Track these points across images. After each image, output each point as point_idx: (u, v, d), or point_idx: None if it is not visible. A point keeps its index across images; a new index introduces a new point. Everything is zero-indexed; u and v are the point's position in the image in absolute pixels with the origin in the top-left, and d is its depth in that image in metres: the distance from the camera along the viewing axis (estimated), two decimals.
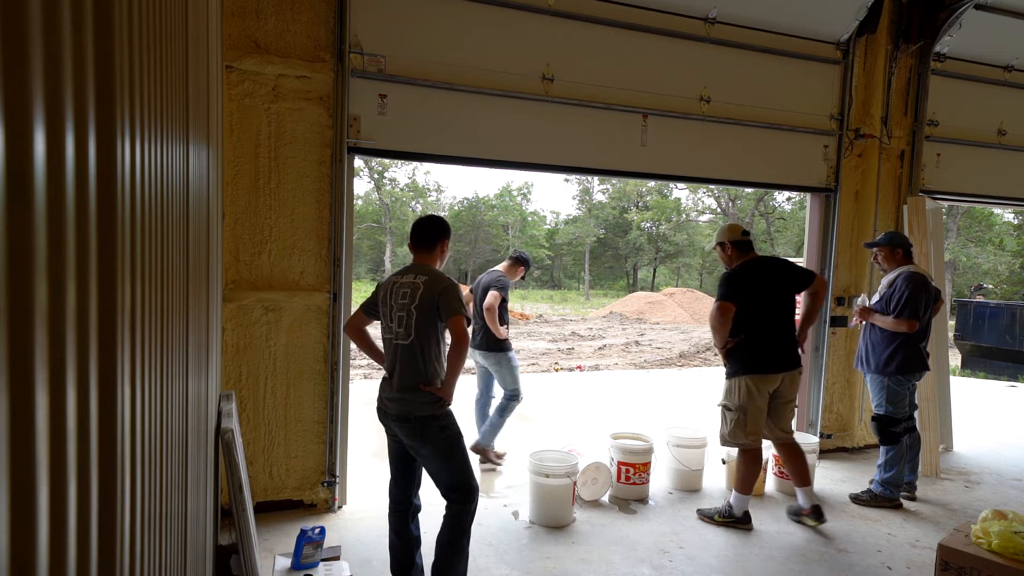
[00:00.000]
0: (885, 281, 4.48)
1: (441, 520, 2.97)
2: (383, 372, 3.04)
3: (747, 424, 3.96)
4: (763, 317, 3.93)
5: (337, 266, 4.00)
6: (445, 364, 2.91)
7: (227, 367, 3.84)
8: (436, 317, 2.84)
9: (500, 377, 5.04)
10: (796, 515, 4.17)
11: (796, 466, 4.10)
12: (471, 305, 5.15)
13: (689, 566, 3.52)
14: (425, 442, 2.85)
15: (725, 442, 4.07)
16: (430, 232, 3.02)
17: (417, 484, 3.15)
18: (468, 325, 2.88)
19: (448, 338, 2.93)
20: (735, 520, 4.05)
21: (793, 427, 4.23)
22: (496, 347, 4.94)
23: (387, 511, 3.17)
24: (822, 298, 4.13)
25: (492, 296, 4.85)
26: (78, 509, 0.61)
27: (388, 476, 3.18)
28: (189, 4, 1.58)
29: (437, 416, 2.84)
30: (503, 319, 4.94)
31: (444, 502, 2.97)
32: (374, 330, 3.26)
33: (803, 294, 4.09)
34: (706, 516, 4.16)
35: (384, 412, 2.96)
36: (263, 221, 3.86)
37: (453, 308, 2.80)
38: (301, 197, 3.92)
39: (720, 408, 4.10)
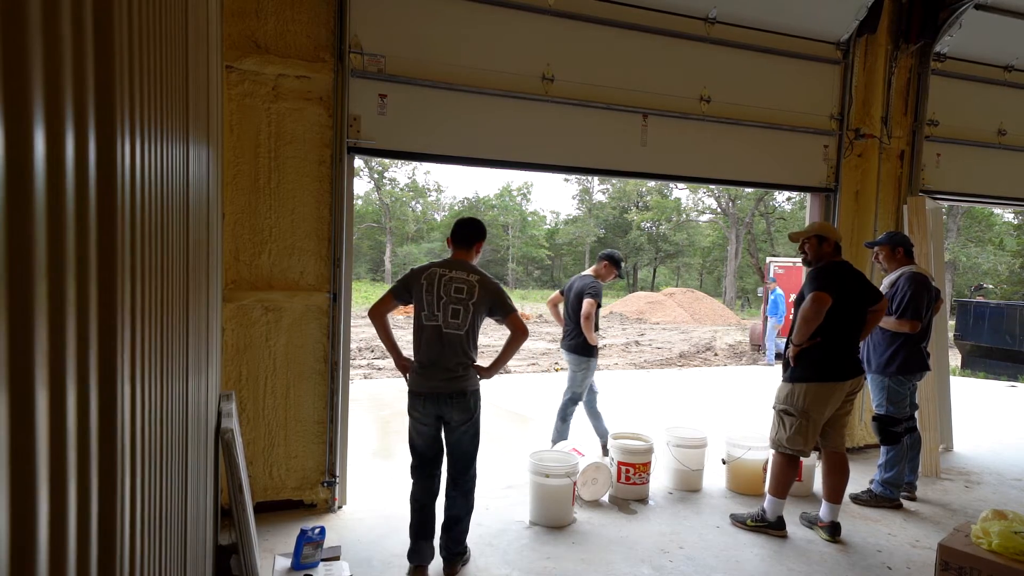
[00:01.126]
0: (887, 281, 4.47)
1: (452, 499, 3.33)
2: (416, 360, 3.27)
3: (809, 430, 3.81)
4: (841, 321, 3.77)
5: (337, 266, 4.00)
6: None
7: (227, 367, 3.84)
8: (486, 313, 3.23)
9: (573, 378, 5.13)
10: (811, 523, 4.06)
11: (836, 480, 3.94)
12: (561, 306, 5.27)
13: (689, 566, 3.52)
14: (473, 411, 3.24)
15: (780, 447, 3.90)
16: (473, 232, 3.35)
17: (440, 464, 3.38)
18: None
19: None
20: (768, 525, 3.94)
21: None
22: (586, 352, 5.05)
23: (416, 484, 3.33)
24: (880, 319, 4.04)
25: (588, 304, 4.92)
26: (78, 509, 0.61)
27: (410, 464, 3.35)
28: (189, 4, 1.58)
29: (478, 390, 3.28)
30: (596, 325, 5.05)
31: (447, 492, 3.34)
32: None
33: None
34: (739, 521, 4.07)
35: (434, 396, 3.18)
36: (263, 221, 3.86)
37: (509, 307, 3.25)
38: (301, 197, 3.92)
39: (777, 412, 3.94)
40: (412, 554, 3.30)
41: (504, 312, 3.22)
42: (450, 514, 3.33)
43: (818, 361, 3.78)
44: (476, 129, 4.33)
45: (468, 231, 3.33)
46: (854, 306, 3.84)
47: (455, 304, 3.16)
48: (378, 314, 3.28)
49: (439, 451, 3.32)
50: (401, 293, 3.26)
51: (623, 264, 5.29)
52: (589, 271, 5.21)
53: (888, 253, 4.49)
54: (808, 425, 3.80)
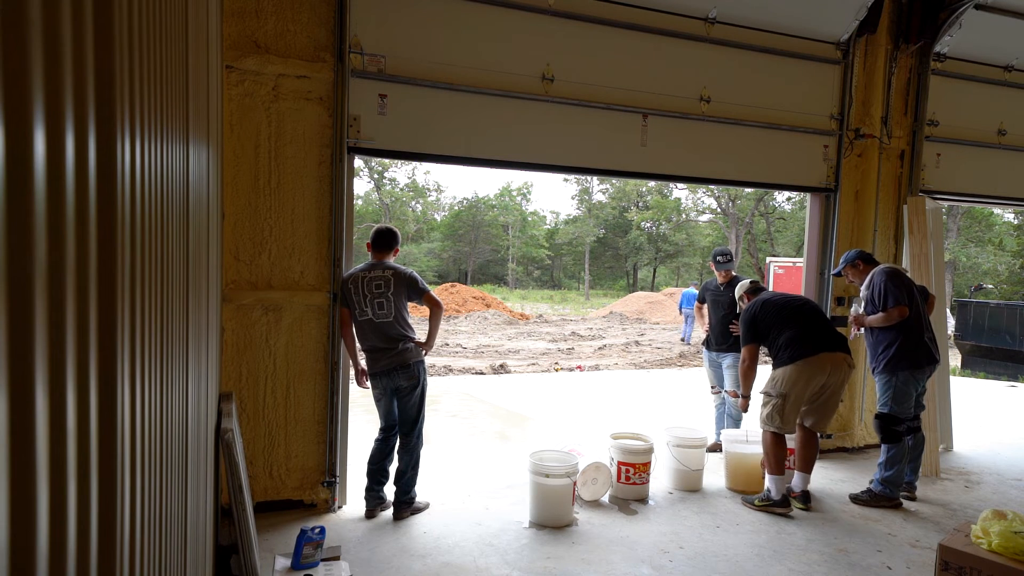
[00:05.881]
0: (863, 288, 4.61)
1: (400, 455, 3.95)
2: (365, 349, 3.90)
3: (784, 409, 4.21)
4: (793, 321, 4.28)
5: (337, 266, 4.00)
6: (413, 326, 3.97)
7: (227, 367, 3.84)
8: (406, 298, 3.85)
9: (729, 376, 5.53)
10: (786, 494, 4.34)
11: (808, 452, 4.35)
12: (706, 308, 5.75)
13: (689, 566, 3.52)
14: (418, 381, 3.87)
15: (763, 423, 4.31)
16: (389, 240, 3.98)
17: (395, 431, 4.02)
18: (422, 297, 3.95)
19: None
20: (773, 503, 4.22)
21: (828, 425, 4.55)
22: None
23: (376, 444, 3.99)
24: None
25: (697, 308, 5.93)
26: (78, 509, 0.61)
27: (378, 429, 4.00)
28: (189, 4, 1.58)
29: (422, 361, 3.92)
30: (710, 323, 5.70)
31: (404, 468, 3.96)
32: None
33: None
34: (747, 502, 4.37)
35: (386, 372, 3.81)
36: (263, 221, 3.86)
37: (422, 289, 3.87)
38: (301, 197, 3.92)
39: (762, 395, 4.36)
40: (367, 492, 3.97)
41: (419, 293, 3.84)
42: (399, 468, 3.94)
43: (792, 347, 4.25)
44: (476, 129, 4.33)
45: (385, 239, 3.96)
46: (796, 308, 4.35)
47: (378, 298, 3.77)
48: (347, 330, 3.89)
49: (394, 420, 3.95)
50: (346, 301, 3.84)
51: (718, 256, 5.64)
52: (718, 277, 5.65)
53: (854, 271, 4.68)
54: (785, 405, 4.21)
